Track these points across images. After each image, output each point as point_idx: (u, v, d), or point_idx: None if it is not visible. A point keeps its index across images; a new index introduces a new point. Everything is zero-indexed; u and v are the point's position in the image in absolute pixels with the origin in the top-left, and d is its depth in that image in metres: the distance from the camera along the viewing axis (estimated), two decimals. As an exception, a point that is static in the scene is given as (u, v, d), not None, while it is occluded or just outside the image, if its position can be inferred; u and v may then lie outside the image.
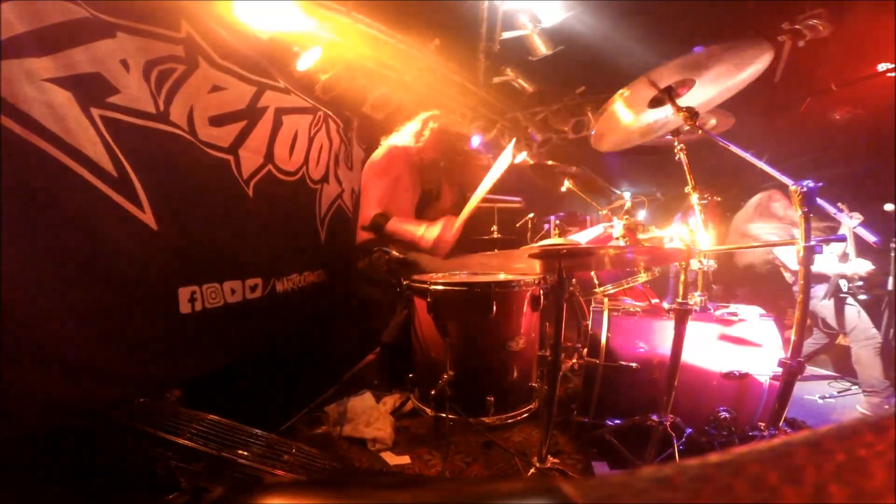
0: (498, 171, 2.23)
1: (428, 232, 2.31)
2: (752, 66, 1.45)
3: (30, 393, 1.18)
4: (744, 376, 1.61)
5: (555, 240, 1.94)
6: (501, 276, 1.92)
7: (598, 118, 1.62)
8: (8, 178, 1.16)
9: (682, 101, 1.56)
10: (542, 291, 1.87)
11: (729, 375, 1.62)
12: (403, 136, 2.60)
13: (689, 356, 1.62)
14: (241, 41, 2.05)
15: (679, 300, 1.50)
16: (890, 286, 2.83)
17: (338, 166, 2.97)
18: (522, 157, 4.09)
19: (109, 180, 1.43)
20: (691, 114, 1.50)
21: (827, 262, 2.56)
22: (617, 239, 2.11)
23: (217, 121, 1.90)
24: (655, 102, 1.57)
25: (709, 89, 1.55)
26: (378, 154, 2.55)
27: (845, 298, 2.54)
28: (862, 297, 2.60)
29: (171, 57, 1.69)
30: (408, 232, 2.34)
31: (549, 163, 3.21)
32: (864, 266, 2.52)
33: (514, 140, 2.39)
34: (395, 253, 2.31)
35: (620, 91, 1.49)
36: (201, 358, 1.71)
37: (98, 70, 1.42)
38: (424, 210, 2.66)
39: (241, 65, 2.04)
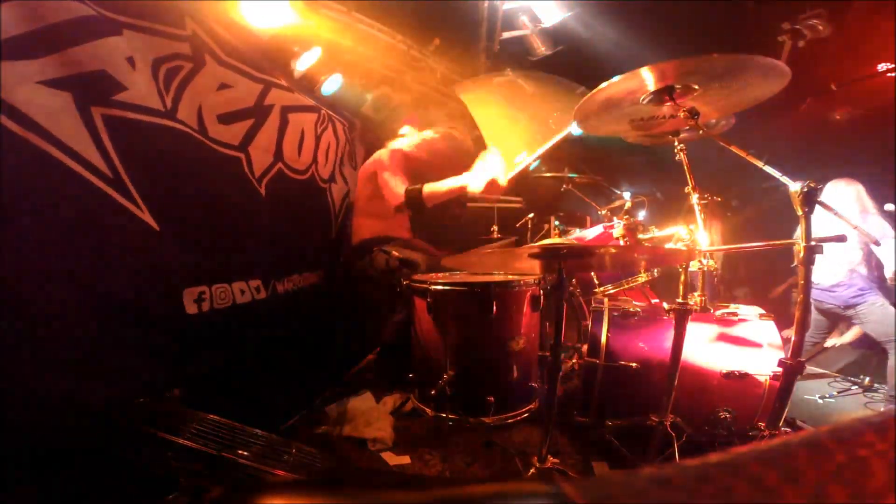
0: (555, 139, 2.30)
1: (474, 180, 2.11)
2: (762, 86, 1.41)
3: (28, 393, 1.18)
4: (744, 376, 1.61)
5: (555, 240, 1.93)
6: (501, 276, 1.92)
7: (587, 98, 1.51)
8: (9, 177, 1.16)
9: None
10: (542, 291, 1.86)
11: (729, 375, 1.62)
12: (404, 141, 2.58)
13: (689, 356, 1.62)
14: (244, 40, 2.05)
15: (679, 300, 1.49)
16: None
17: (343, 165, 2.96)
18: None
19: (105, 179, 1.41)
20: (692, 113, 1.49)
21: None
22: (617, 239, 2.11)
23: (225, 119, 1.89)
24: (653, 98, 1.51)
25: (711, 98, 1.51)
26: (383, 154, 2.52)
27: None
28: None
29: (177, 55, 1.67)
30: (450, 187, 2.16)
31: (548, 175, 3.21)
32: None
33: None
34: (394, 253, 2.30)
35: (619, 77, 1.40)
36: (206, 359, 1.70)
37: (103, 67, 1.41)
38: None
39: (247, 62, 2.03)
